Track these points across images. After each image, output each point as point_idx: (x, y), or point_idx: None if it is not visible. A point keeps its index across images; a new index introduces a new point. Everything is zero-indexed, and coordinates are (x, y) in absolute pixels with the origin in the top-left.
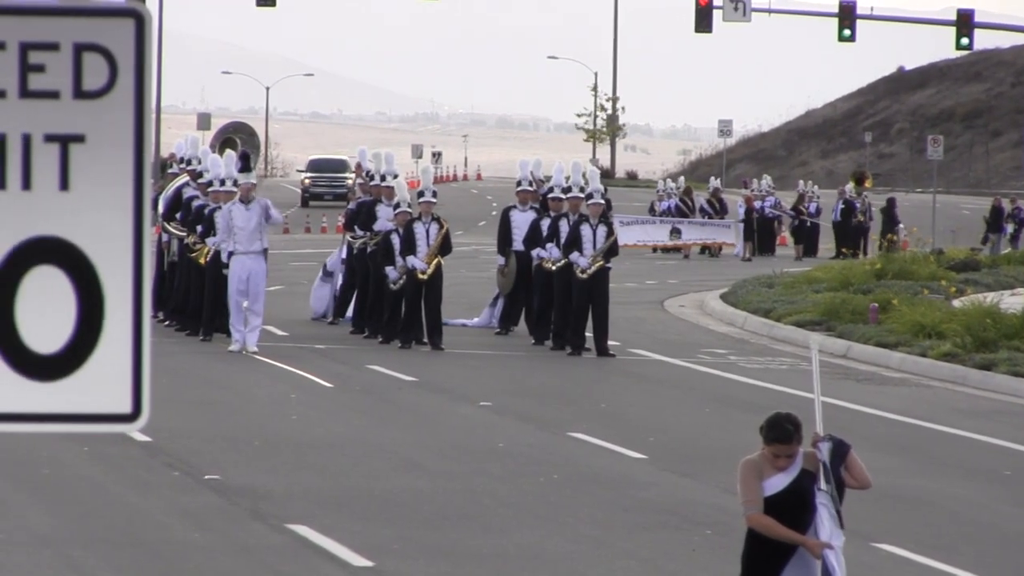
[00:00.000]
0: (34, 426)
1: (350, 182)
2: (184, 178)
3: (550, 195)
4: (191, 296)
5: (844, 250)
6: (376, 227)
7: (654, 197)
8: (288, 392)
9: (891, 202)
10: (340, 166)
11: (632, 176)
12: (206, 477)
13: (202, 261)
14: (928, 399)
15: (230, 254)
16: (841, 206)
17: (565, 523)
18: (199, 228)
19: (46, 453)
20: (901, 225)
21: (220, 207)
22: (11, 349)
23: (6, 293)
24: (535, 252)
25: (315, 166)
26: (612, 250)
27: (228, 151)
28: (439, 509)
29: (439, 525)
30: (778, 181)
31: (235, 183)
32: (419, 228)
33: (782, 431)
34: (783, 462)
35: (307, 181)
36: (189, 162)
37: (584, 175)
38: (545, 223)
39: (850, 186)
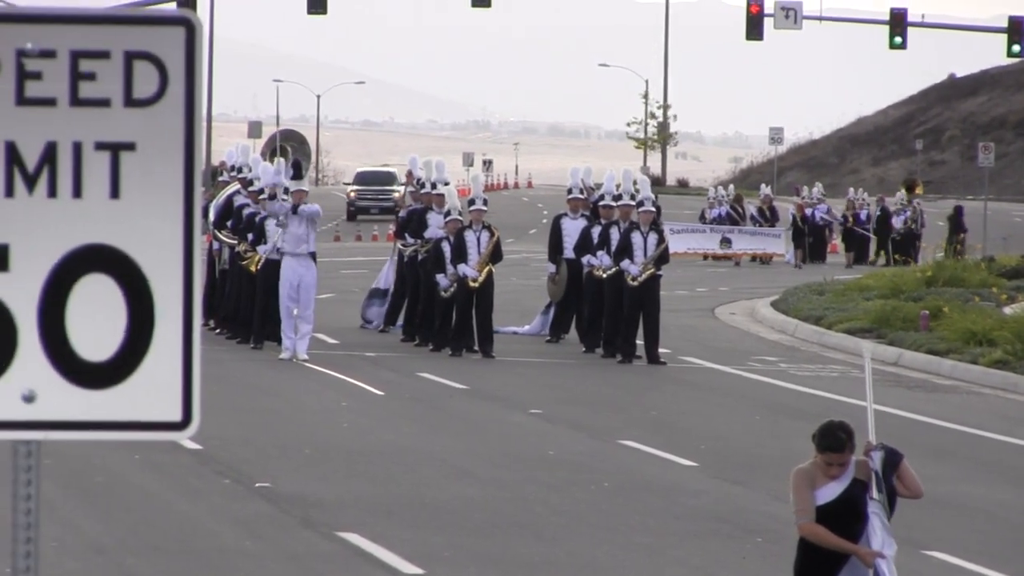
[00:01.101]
0: (85, 434)
1: (397, 195)
2: (235, 186)
3: (601, 203)
4: (242, 304)
5: (876, 256)
6: (427, 235)
7: (705, 205)
8: (339, 400)
9: (959, 210)
10: (388, 179)
11: (683, 184)
12: (257, 485)
13: (253, 269)
14: (979, 407)
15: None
16: (878, 213)
17: (616, 531)
18: (250, 236)
19: (98, 461)
20: (967, 232)
21: (269, 215)
22: (62, 357)
23: (57, 301)
24: (585, 259)
25: (362, 179)
26: (663, 257)
27: (278, 159)
28: (490, 517)
29: (490, 533)
30: (829, 188)
31: (286, 191)
32: (470, 236)
33: (835, 439)
34: (835, 471)
35: (353, 194)
36: (240, 170)
37: (635, 183)
38: (596, 231)
39: (901, 194)
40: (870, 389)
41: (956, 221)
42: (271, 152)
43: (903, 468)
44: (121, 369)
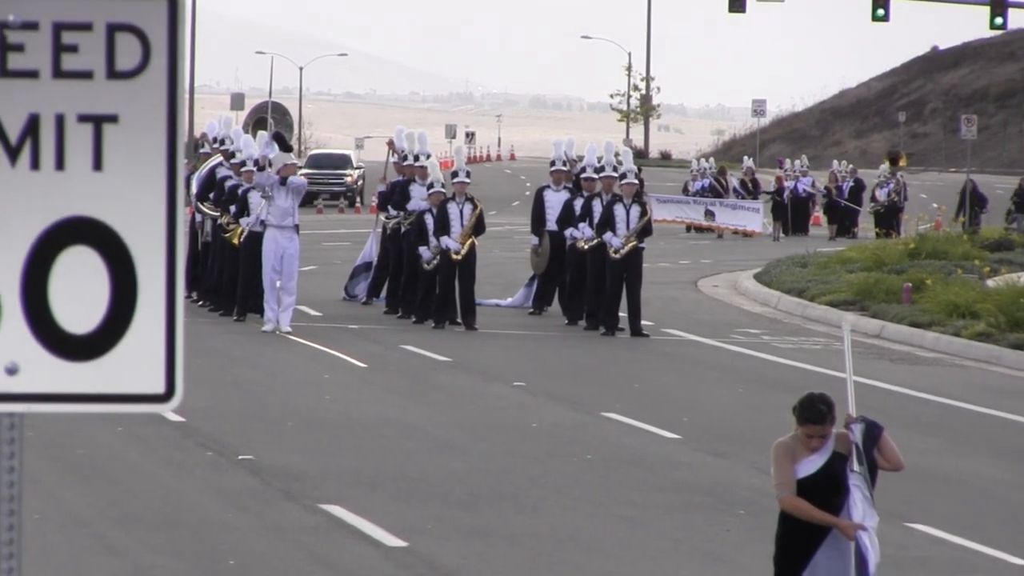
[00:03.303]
0: (68, 406)
1: (349, 179)
2: (217, 158)
3: (583, 175)
4: (224, 276)
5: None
6: (409, 207)
7: (688, 177)
8: (322, 372)
9: (974, 183)
10: (341, 162)
11: (666, 156)
12: (240, 457)
13: (236, 241)
14: (961, 379)
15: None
16: (851, 185)
17: (599, 503)
18: (233, 208)
19: (80, 433)
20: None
21: (253, 187)
22: (45, 329)
23: (40, 274)
24: (568, 232)
25: (315, 162)
26: (646, 230)
27: (260, 132)
28: (473, 489)
29: (473, 505)
30: (812, 161)
31: (270, 164)
32: (453, 208)
33: (815, 412)
34: (816, 443)
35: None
36: (222, 142)
37: (617, 155)
38: (578, 203)
39: (885, 166)
40: (849, 361)
41: (976, 193)
42: (254, 123)
43: (883, 440)
44: (104, 341)
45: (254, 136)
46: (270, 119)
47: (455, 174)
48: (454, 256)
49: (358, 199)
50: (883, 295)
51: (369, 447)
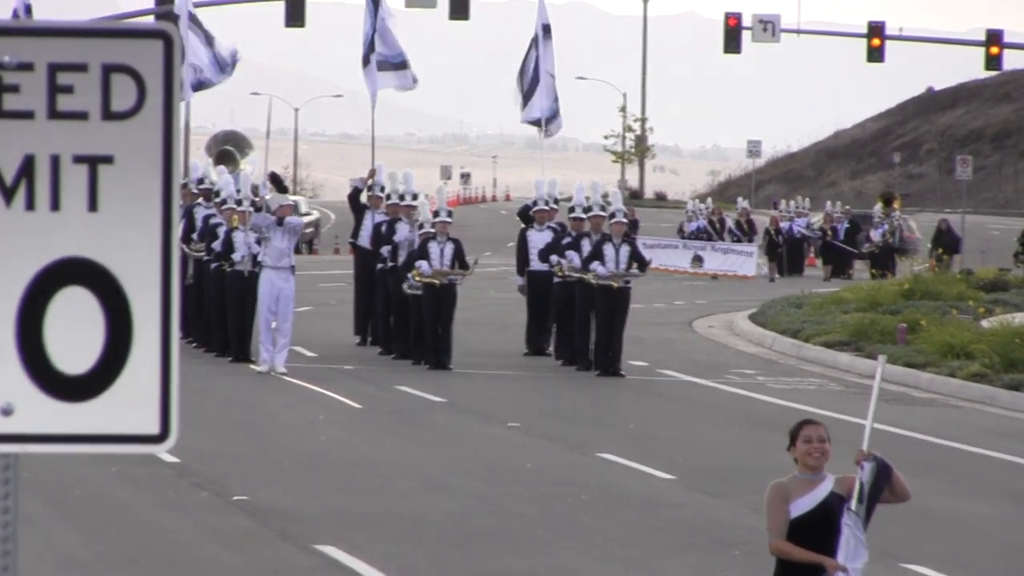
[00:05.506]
0: (63, 447)
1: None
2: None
3: (571, 215)
4: (213, 314)
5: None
6: (396, 238)
7: (683, 218)
8: (317, 413)
9: (948, 224)
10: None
11: (661, 197)
12: (235, 498)
13: (235, 220)
14: (957, 419)
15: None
16: (846, 226)
17: (595, 543)
18: (216, 246)
19: (76, 474)
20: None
21: (237, 228)
22: (40, 370)
23: (35, 314)
24: (553, 257)
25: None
26: (641, 266)
27: (220, 167)
28: (468, 529)
29: (468, 546)
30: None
31: (252, 203)
32: (434, 247)
33: (807, 420)
34: (816, 452)
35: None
36: (202, 181)
37: (605, 195)
38: (566, 241)
39: (878, 207)
40: (875, 399)
41: (951, 234)
42: (216, 158)
43: (894, 476)
44: (99, 382)
45: (221, 166)
46: (223, 149)
47: (436, 213)
48: (432, 282)
49: (315, 243)
50: (878, 336)
51: (364, 488)
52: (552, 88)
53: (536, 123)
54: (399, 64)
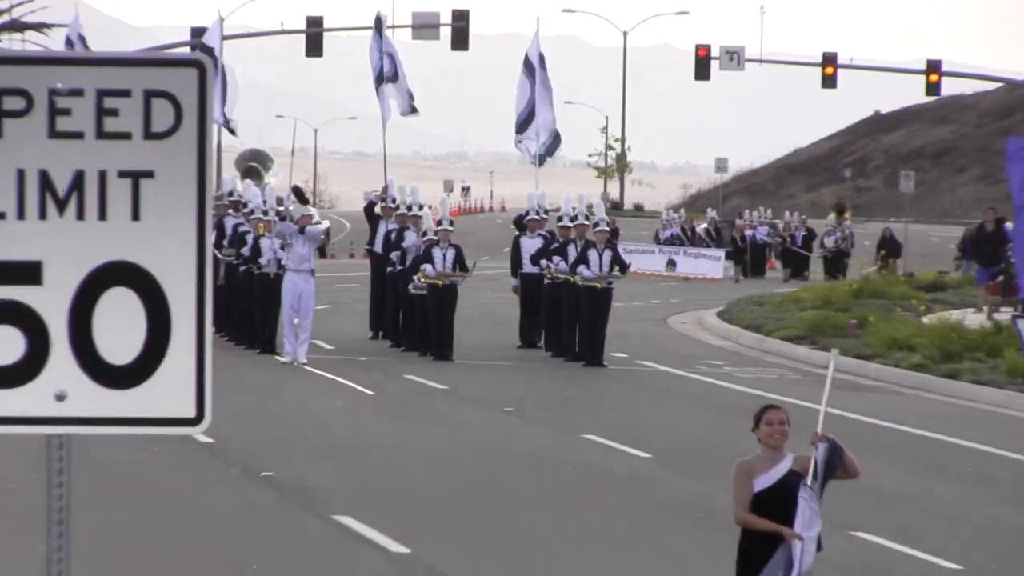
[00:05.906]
0: (109, 429)
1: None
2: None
3: (559, 223)
4: (240, 312)
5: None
6: (404, 245)
7: (659, 226)
8: (334, 399)
9: (891, 231)
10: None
11: (639, 208)
12: (262, 474)
13: (261, 229)
14: (900, 405)
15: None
16: (803, 233)
17: (580, 515)
18: (244, 251)
19: (119, 453)
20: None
21: (264, 235)
22: (90, 361)
23: (85, 312)
24: (543, 261)
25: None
26: (622, 269)
27: (247, 180)
28: (467, 502)
29: (467, 516)
30: (768, 212)
31: (277, 213)
32: (437, 252)
33: (769, 405)
34: (778, 434)
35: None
36: (231, 193)
37: (590, 206)
38: (554, 247)
39: (831, 217)
40: (828, 387)
41: (894, 242)
42: (243, 172)
43: (845, 455)
44: (141, 371)
45: (249, 180)
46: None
47: (439, 222)
48: (435, 283)
49: (328, 248)
50: (831, 330)
51: (376, 465)
52: (550, 122)
53: (526, 150)
54: (402, 86)
